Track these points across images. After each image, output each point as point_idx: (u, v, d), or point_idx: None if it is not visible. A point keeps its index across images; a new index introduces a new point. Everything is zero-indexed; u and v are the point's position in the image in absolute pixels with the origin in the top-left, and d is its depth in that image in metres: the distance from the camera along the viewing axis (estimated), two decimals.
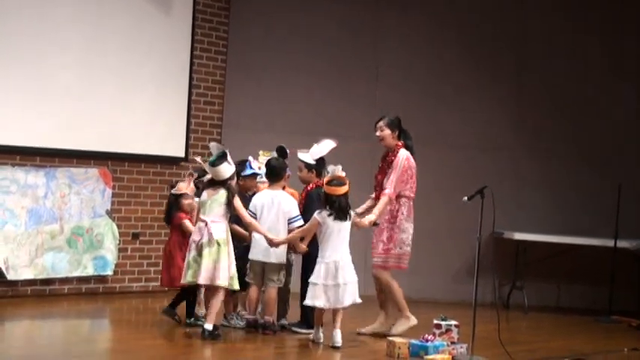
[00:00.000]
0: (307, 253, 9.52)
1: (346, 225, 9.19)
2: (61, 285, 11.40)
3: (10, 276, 10.86)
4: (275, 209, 9.48)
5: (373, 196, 10.04)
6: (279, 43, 12.93)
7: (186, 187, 9.84)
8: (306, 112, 12.92)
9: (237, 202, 9.25)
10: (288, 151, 9.89)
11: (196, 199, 9.69)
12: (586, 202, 13.21)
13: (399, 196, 9.81)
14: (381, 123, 10.03)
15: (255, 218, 9.50)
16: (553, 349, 9.93)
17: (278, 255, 9.49)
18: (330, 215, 9.09)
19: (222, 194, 9.11)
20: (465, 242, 11.83)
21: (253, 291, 9.56)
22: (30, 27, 10.98)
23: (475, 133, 13.19)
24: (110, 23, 11.60)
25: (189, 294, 9.78)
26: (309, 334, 9.47)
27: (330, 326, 9.27)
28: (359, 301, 9.28)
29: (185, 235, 9.67)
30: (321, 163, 9.67)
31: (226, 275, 9.04)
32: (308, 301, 9.14)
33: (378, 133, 10.00)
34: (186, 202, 9.82)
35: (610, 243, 12.30)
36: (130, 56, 11.80)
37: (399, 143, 9.95)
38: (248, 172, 9.83)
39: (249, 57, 12.84)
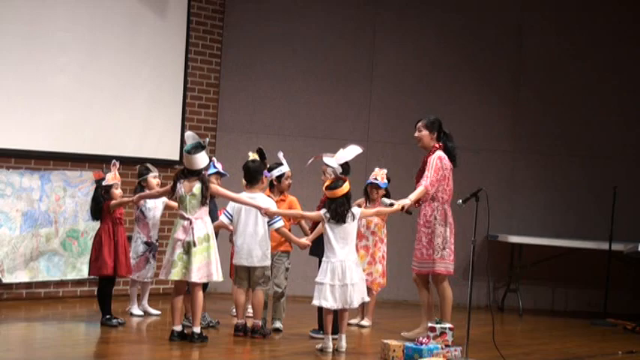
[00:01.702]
0: (306, 247, 9.62)
1: (351, 226, 9.14)
2: (56, 288, 11.40)
3: (6, 279, 10.86)
4: (254, 212, 9.46)
5: None
6: (274, 46, 12.93)
7: (112, 177, 9.81)
8: (300, 115, 12.93)
9: (216, 187, 9.27)
10: (311, 158, 9.88)
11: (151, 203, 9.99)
12: (581, 205, 13.23)
13: (432, 200, 9.72)
14: (419, 124, 9.93)
15: (232, 221, 9.54)
16: (548, 352, 9.94)
17: (262, 259, 9.49)
18: (330, 219, 9.10)
19: (197, 187, 9.03)
20: (460, 245, 11.80)
21: (240, 295, 9.55)
22: (24, 30, 10.97)
23: (470, 136, 13.17)
24: (105, 27, 11.61)
25: (106, 288, 9.80)
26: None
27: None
28: (367, 299, 9.31)
29: (115, 223, 9.70)
30: (345, 167, 9.61)
31: (218, 269, 9.07)
32: (315, 302, 9.08)
33: (416, 134, 9.92)
34: (117, 191, 9.79)
35: (605, 246, 12.30)
36: (125, 59, 11.81)
37: (437, 145, 9.86)
38: (211, 170, 9.80)
39: (244, 60, 12.85)
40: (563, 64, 13.40)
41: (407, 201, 9.50)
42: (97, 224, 11.38)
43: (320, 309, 9.29)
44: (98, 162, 11.60)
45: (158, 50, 12.09)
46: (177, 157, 12.22)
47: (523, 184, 13.32)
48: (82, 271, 11.47)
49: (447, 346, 9.02)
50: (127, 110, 11.84)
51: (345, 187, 9.09)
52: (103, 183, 9.77)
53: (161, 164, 12.05)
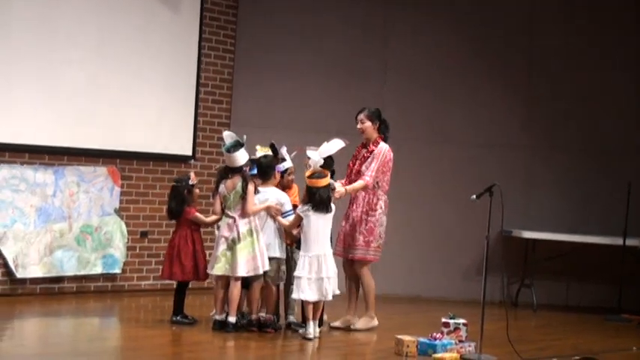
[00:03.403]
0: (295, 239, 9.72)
1: (328, 217, 9.33)
2: (70, 283, 11.41)
3: (20, 274, 10.88)
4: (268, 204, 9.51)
5: (343, 181, 10.08)
6: (287, 42, 12.92)
7: (194, 177, 9.92)
8: (313, 111, 12.92)
9: (250, 190, 9.35)
10: (294, 150, 9.95)
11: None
12: (595, 200, 13.18)
13: (377, 189, 9.90)
14: (361, 115, 10.15)
15: None
16: (562, 347, 9.91)
17: (277, 250, 9.55)
18: (311, 209, 9.20)
19: (239, 185, 9.31)
20: (474, 240, 11.80)
21: (255, 288, 9.57)
22: (38, 26, 10.99)
23: (484, 131, 13.17)
24: (118, 22, 11.62)
25: (183, 291, 9.80)
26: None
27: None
28: (338, 292, 9.44)
29: (193, 228, 9.71)
30: (329, 161, 9.68)
31: (265, 261, 9.31)
32: (294, 295, 9.33)
33: (359, 126, 10.12)
34: (197, 190, 9.92)
35: (619, 241, 12.27)
36: (138, 54, 11.82)
37: (381, 136, 10.06)
38: (253, 171, 9.85)
39: (257, 55, 12.83)
40: (576, 60, 13.34)
41: (342, 189, 9.71)
42: (108, 220, 11.48)
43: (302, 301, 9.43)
44: (112, 157, 11.64)
45: (171, 46, 12.09)
46: (190, 153, 12.23)
47: (537, 180, 13.27)
48: (96, 267, 11.49)
49: (460, 341, 9.01)
50: (140, 105, 11.84)
51: (328, 178, 9.33)
52: (190, 182, 9.80)
53: (174, 159, 12.09)
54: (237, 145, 9.35)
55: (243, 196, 9.30)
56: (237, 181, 9.33)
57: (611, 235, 12.48)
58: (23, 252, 10.90)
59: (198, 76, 12.35)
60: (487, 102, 13.22)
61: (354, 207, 9.97)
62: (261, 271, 9.33)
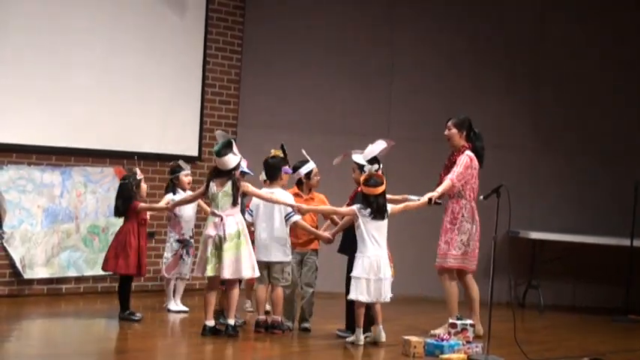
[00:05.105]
0: (330, 242, 9.66)
1: (384, 222, 9.23)
2: (77, 284, 11.43)
3: (27, 275, 10.90)
4: (271, 207, 9.48)
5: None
6: (295, 42, 12.93)
7: (140, 172, 9.96)
8: (321, 111, 12.92)
9: (250, 187, 9.32)
10: (341, 155, 9.92)
11: (170, 195, 10.13)
12: (602, 201, 13.17)
13: (460, 197, 9.87)
14: (449, 122, 10.16)
15: (252, 217, 9.58)
16: (569, 348, 9.90)
17: (281, 254, 9.51)
18: (369, 215, 9.13)
19: (229, 186, 9.15)
20: (481, 241, 11.79)
21: (261, 290, 9.57)
22: (46, 27, 11.01)
23: (491, 131, 13.09)
24: (124, 23, 11.64)
25: (127, 287, 9.85)
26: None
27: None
28: (391, 295, 9.31)
29: (140, 223, 9.76)
30: (374, 162, 9.56)
31: (249, 266, 9.14)
32: (352, 296, 9.17)
33: (445, 132, 10.14)
34: (144, 185, 9.97)
35: (626, 242, 12.26)
36: (145, 55, 11.83)
37: (467, 145, 10.02)
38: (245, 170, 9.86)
39: (265, 56, 12.84)
40: (583, 60, 13.33)
41: (434, 193, 9.65)
42: (115, 220, 11.44)
43: (349, 308, 9.37)
44: (119, 158, 11.65)
45: (178, 46, 12.11)
46: (196, 153, 12.24)
47: (544, 180, 13.27)
48: None
49: (468, 342, 9.01)
50: (147, 106, 11.86)
51: (384, 184, 9.18)
52: (137, 177, 9.82)
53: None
54: (227, 147, 9.15)
55: (235, 201, 9.16)
56: (225, 182, 9.17)
57: (618, 235, 12.46)
58: (30, 253, 10.92)
59: (204, 77, 12.36)
60: (492, 103, 13.21)
61: (443, 216, 9.99)
62: (243, 275, 9.19)
